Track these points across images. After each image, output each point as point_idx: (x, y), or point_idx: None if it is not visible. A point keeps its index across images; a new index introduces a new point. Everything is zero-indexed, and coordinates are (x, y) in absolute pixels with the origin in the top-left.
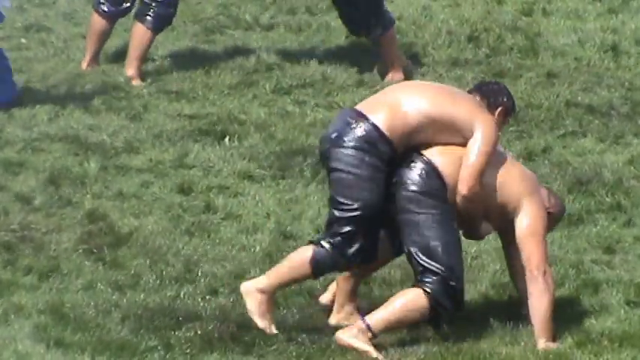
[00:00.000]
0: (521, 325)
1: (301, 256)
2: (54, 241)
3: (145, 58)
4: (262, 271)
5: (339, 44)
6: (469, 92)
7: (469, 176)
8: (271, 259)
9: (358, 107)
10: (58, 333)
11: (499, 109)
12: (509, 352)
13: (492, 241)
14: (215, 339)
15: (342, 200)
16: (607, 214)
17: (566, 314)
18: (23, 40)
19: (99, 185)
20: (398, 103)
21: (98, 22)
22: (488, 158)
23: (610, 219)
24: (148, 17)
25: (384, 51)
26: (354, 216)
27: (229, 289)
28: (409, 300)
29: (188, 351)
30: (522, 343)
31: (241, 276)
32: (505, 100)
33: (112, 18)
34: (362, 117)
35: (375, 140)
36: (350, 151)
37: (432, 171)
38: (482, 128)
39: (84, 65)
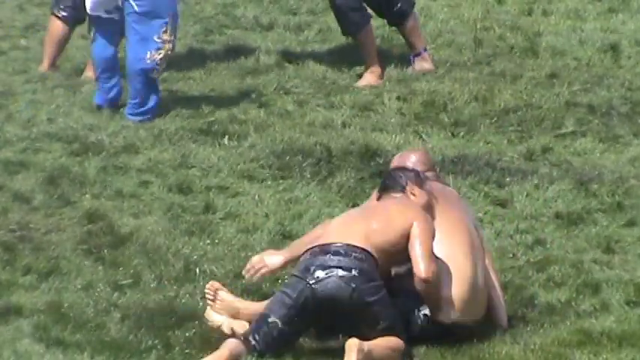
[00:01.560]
0: (521, 325)
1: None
2: (53, 240)
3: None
4: None
5: (339, 44)
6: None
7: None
8: None
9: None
10: (58, 333)
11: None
12: (509, 352)
13: (494, 241)
14: (215, 339)
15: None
16: (607, 214)
17: (566, 314)
18: (23, 41)
19: (98, 185)
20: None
21: (57, 27)
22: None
23: (610, 219)
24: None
25: (360, 48)
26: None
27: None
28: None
29: (187, 351)
30: (522, 343)
31: (241, 276)
32: (405, 179)
33: (71, 23)
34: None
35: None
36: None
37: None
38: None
39: (44, 69)
